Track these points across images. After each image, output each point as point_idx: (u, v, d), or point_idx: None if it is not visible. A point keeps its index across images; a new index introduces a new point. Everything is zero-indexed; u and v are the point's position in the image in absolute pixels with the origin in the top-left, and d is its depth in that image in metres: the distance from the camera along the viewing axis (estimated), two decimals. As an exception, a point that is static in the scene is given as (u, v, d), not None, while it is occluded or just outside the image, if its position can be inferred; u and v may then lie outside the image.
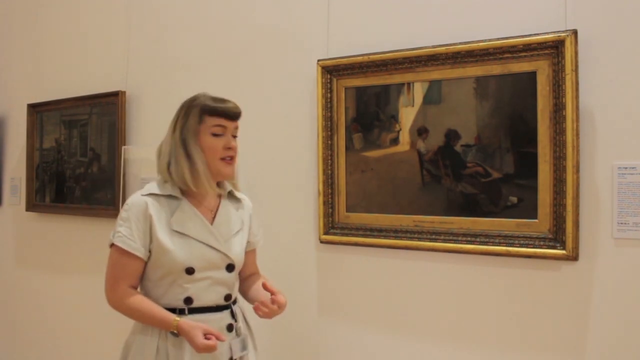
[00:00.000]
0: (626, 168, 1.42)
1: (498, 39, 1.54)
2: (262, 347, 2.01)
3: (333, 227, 1.85)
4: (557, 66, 1.46)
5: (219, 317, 1.46)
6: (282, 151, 2.00)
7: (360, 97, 1.81)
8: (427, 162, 1.68)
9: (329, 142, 1.85)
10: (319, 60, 1.86)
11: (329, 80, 1.85)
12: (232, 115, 1.48)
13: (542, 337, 1.52)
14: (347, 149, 1.83)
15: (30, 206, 2.80)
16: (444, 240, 1.64)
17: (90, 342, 2.52)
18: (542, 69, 1.50)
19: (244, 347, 1.50)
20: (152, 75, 2.38)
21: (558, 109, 1.47)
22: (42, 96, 2.76)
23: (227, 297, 1.49)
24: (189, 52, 2.26)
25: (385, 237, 1.75)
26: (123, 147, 2.39)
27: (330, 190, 1.85)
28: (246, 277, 1.64)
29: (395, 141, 1.74)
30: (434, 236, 1.66)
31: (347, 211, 1.84)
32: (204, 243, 1.44)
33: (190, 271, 1.41)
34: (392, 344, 1.76)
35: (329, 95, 1.85)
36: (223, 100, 1.49)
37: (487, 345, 1.60)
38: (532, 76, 1.52)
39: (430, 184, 1.68)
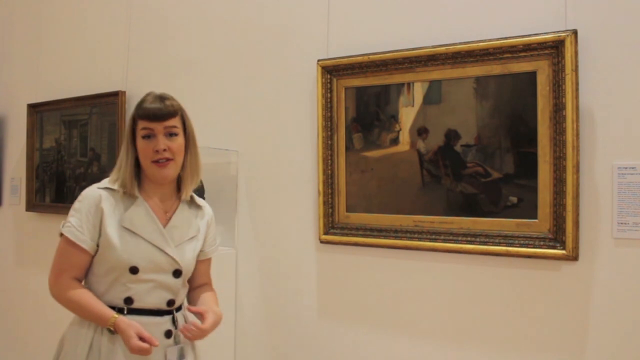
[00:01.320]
0: (626, 168, 1.42)
1: (498, 39, 1.54)
2: (261, 347, 2.01)
3: (333, 227, 1.85)
4: (557, 66, 1.46)
5: (158, 322, 1.42)
6: (282, 151, 2.00)
7: (360, 97, 1.81)
8: (427, 162, 1.68)
9: (329, 142, 1.85)
10: (319, 60, 1.86)
11: (329, 80, 1.85)
12: (154, 116, 1.39)
13: (542, 337, 1.52)
14: (347, 149, 1.83)
15: (30, 206, 2.80)
16: (444, 240, 1.64)
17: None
18: (542, 69, 1.50)
19: (181, 356, 1.44)
20: (152, 75, 2.38)
21: (558, 109, 1.47)
22: (42, 96, 2.76)
23: (170, 303, 1.44)
24: (189, 52, 2.26)
25: (385, 237, 1.75)
26: (123, 147, 2.38)
27: (330, 190, 1.85)
28: (195, 287, 1.59)
29: (395, 141, 1.74)
30: (434, 236, 1.66)
31: (347, 211, 1.84)
32: (152, 244, 1.41)
33: (134, 270, 1.38)
34: (391, 344, 1.76)
35: (329, 95, 1.85)
36: (155, 100, 1.42)
37: (487, 345, 1.60)
38: (532, 76, 1.52)
39: (430, 184, 1.68)
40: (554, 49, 1.47)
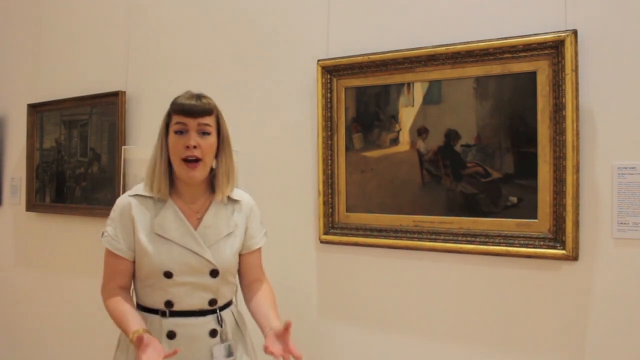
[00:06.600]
0: (626, 168, 1.42)
1: (498, 39, 1.54)
2: (261, 346, 2.01)
3: (333, 227, 1.85)
4: (557, 66, 1.46)
5: (202, 322, 1.44)
6: (282, 151, 2.00)
7: (360, 97, 1.81)
8: (427, 162, 1.68)
9: (329, 142, 1.85)
10: (319, 60, 1.86)
11: (329, 80, 1.85)
12: (190, 111, 1.39)
13: (542, 337, 1.52)
14: (347, 149, 1.83)
15: (30, 206, 2.80)
16: (444, 240, 1.64)
17: (90, 342, 2.52)
18: (542, 69, 1.50)
19: (229, 354, 1.46)
20: (152, 75, 2.38)
21: (558, 109, 1.47)
22: (42, 96, 2.76)
23: (212, 302, 1.45)
24: (189, 52, 2.26)
25: (385, 237, 1.75)
26: (123, 147, 2.38)
27: (330, 190, 1.85)
28: (248, 284, 1.58)
29: (395, 141, 1.74)
30: (434, 236, 1.66)
31: (347, 211, 1.84)
32: (185, 247, 1.41)
33: (168, 275, 1.40)
34: (391, 344, 1.76)
35: (329, 95, 1.85)
36: (192, 97, 1.42)
37: (487, 345, 1.60)
38: (532, 76, 1.52)
39: (430, 184, 1.68)
40: (554, 49, 1.47)
